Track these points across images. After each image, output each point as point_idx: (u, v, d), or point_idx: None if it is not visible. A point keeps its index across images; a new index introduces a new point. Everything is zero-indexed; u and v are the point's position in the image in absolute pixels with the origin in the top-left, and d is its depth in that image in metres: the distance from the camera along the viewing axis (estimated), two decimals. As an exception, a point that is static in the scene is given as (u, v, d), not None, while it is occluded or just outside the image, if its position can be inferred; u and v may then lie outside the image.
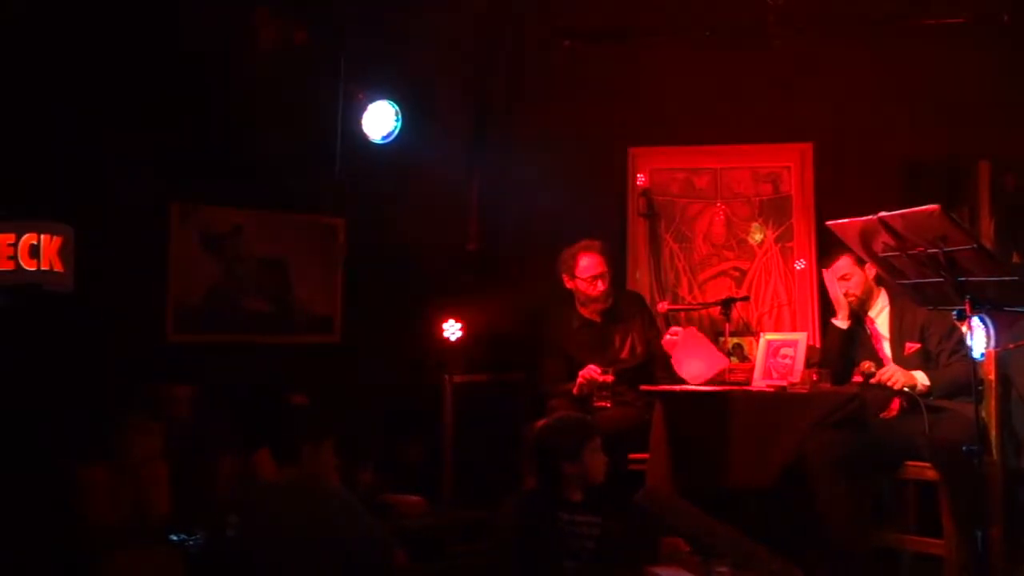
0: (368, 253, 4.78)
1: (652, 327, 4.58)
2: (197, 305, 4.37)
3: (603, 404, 4.22)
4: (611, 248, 4.57)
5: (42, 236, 3.58)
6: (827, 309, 4.57)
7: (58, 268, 3.61)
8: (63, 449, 3.47)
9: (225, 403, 3.93)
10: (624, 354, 4.46)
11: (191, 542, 3.30)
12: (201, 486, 3.56)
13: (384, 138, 4.61)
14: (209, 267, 4.41)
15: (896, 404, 3.88)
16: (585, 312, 4.49)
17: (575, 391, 4.25)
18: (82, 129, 3.87)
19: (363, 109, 4.54)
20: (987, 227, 4.51)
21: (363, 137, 4.55)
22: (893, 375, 3.83)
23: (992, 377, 3.88)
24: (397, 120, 4.61)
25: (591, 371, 4.24)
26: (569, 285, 4.47)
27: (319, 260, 4.73)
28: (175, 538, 3.29)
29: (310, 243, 4.73)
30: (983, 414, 3.65)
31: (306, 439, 3.20)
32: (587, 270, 4.38)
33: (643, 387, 4.22)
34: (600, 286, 4.39)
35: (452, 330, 4.73)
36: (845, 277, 4.05)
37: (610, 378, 4.24)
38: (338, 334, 4.75)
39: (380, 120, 4.58)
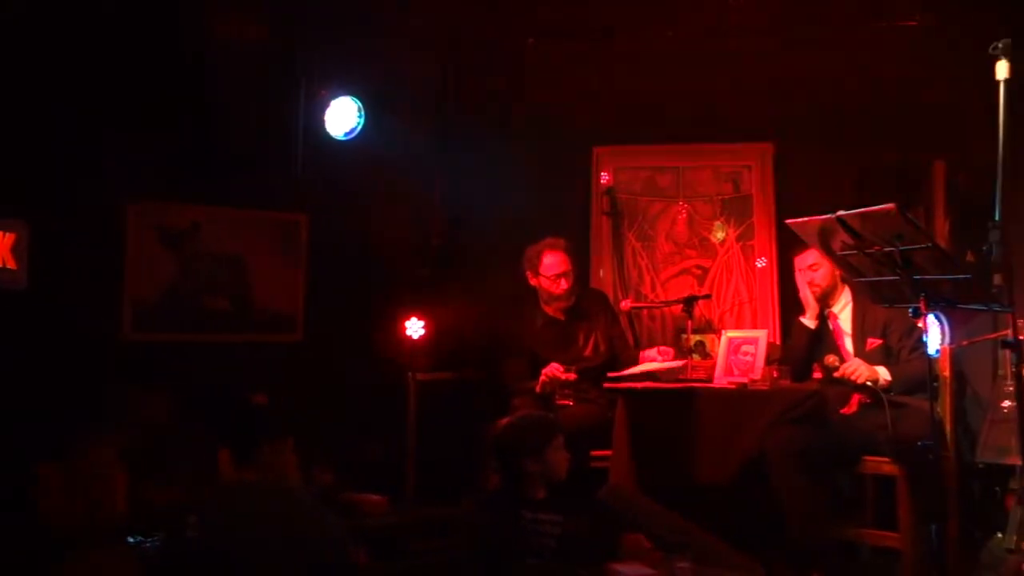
0: (330, 250, 4.75)
1: (615, 325, 4.61)
2: (155, 303, 4.31)
3: (566, 403, 4.23)
4: (575, 246, 4.59)
5: (-5, 232, 3.53)
6: (787, 306, 4.63)
7: (11, 265, 3.56)
8: (18, 448, 3.41)
9: (185, 403, 3.88)
10: (587, 352, 4.48)
11: (148, 543, 3.25)
12: (161, 488, 3.51)
13: (347, 134, 4.58)
14: (167, 265, 4.36)
15: (855, 400, 3.93)
16: (549, 310, 4.50)
17: (538, 389, 4.26)
18: (37, 124, 3.80)
19: (325, 105, 4.51)
20: (942, 226, 4.58)
21: (325, 133, 4.52)
22: (857, 369, 3.87)
23: (947, 374, 3.94)
24: (360, 116, 4.58)
25: (554, 369, 4.25)
26: (533, 282, 4.47)
27: (280, 258, 4.69)
28: (132, 540, 3.24)
29: (271, 240, 4.69)
30: (939, 410, 3.72)
31: (266, 439, 3.17)
32: (551, 268, 4.39)
33: (606, 384, 4.24)
34: (564, 284, 4.40)
35: (415, 328, 4.71)
36: (813, 267, 4.09)
37: (573, 376, 4.26)
38: (300, 332, 4.71)
39: (342, 116, 4.55)
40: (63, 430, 3.50)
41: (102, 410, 3.66)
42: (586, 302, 4.54)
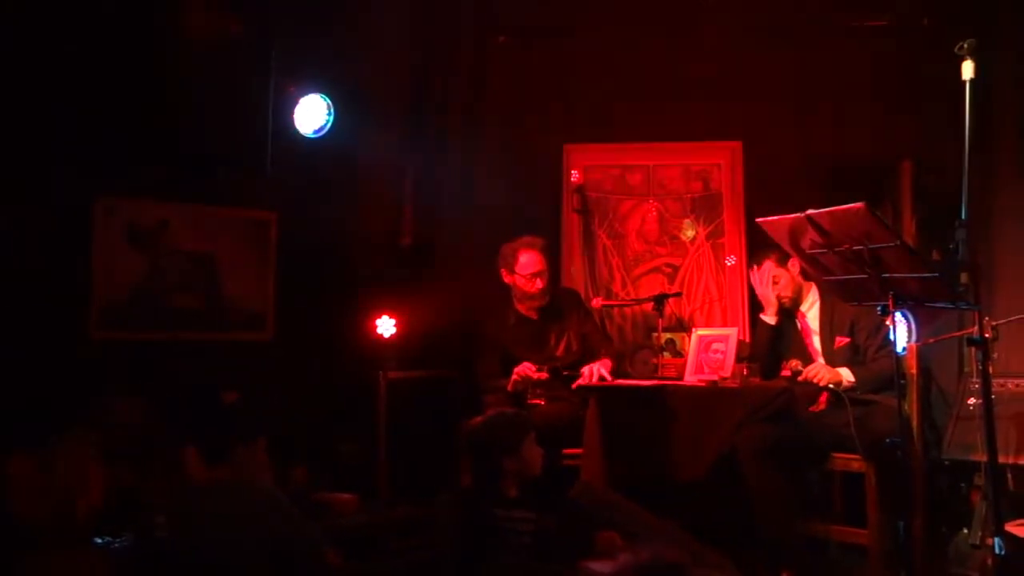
0: (301, 248, 4.71)
1: (588, 322, 4.61)
2: (123, 301, 4.25)
3: (537, 401, 4.23)
4: (546, 244, 4.58)
5: (-42, 230, 3.46)
6: (756, 305, 4.65)
7: (-26, 263, 3.49)
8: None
9: (155, 402, 3.84)
10: (560, 351, 4.48)
11: (117, 544, 3.21)
12: (136, 489, 3.47)
13: (316, 132, 4.55)
14: (135, 262, 4.30)
15: (824, 398, 3.98)
16: (522, 308, 4.50)
17: (510, 388, 4.26)
18: (1, 118, 3.74)
19: (295, 102, 4.48)
20: (909, 225, 4.63)
21: (295, 131, 4.49)
22: (818, 373, 3.92)
23: (914, 371, 4.00)
24: (329, 114, 4.56)
25: (526, 368, 4.25)
26: (507, 280, 4.47)
27: (250, 256, 4.65)
28: (100, 540, 3.20)
29: (241, 238, 4.64)
30: (906, 408, 3.77)
31: (237, 438, 3.14)
32: (527, 267, 4.38)
33: (574, 385, 4.24)
34: (539, 284, 4.40)
35: (386, 326, 4.69)
36: (775, 280, 4.14)
37: (545, 375, 4.26)
38: (270, 331, 4.67)
39: (312, 114, 4.53)
40: (31, 428, 3.44)
41: (71, 409, 3.60)
42: (559, 301, 4.55)
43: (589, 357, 4.44)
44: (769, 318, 4.21)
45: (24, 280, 3.80)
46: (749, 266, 4.30)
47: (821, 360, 4.08)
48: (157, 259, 4.37)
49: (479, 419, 3.40)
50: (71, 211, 4.08)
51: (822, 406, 3.99)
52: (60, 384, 3.78)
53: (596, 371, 4.21)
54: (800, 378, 3.96)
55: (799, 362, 4.04)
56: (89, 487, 3.34)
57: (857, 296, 3.22)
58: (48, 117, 3.87)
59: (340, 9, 4.72)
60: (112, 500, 3.36)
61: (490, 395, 4.29)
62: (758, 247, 4.26)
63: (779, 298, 4.15)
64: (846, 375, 3.94)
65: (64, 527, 3.21)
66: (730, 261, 4.99)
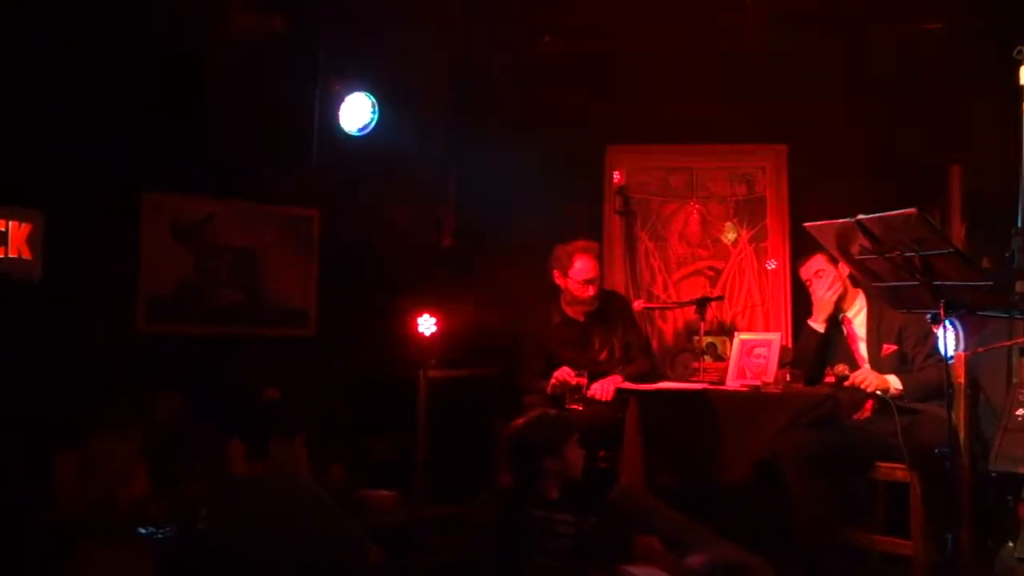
0: (343, 246, 4.74)
1: (632, 330, 4.56)
2: (168, 296, 4.31)
3: (575, 407, 4.20)
4: (600, 249, 4.55)
5: (10, 223, 3.53)
6: (800, 310, 4.60)
7: (26, 256, 3.56)
8: (32, 438, 3.41)
9: (198, 396, 3.88)
10: (602, 356, 4.45)
11: (160, 535, 3.25)
12: (179, 482, 3.51)
13: (360, 130, 4.57)
14: (180, 257, 4.36)
15: (869, 405, 3.92)
16: (569, 310, 4.47)
17: (548, 391, 4.24)
18: (54, 116, 3.80)
19: (340, 101, 4.50)
20: (959, 231, 4.55)
21: (339, 129, 4.51)
22: (866, 379, 3.86)
23: (961, 380, 3.92)
24: (374, 113, 4.57)
25: (564, 373, 4.23)
26: (558, 282, 4.43)
27: (293, 252, 4.68)
28: (143, 531, 3.24)
29: (284, 235, 4.68)
30: (953, 417, 3.70)
31: (277, 434, 3.17)
32: (581, 273, 4.34)
33: (616, 386, 4.21)
34: (591, 290, 4.36)
35: (427, 325, 4.70)
36: (818, 274, 4.08)
37: (584, 380, 4.24)
38: (312, 327, 4.71)
39: (357, 112, 4.55)
40: (79, 421, 3.50)
41: (119, 403, 3.65)
42: (607, 305, 4.50)
43: (629, 362, 4.42)
44: (818, 325, 4.15)
45: (74, 274, 3.85)
46: (799, 262, 4.23)
47: (867, 367, 4.02)
48: (202, 254, 4.42)
49: (522, 419, 3.39)
50: (120, 206, 4.13)
51: (867, 413, 3.93)
52: (107, 377, 3.84)
53: (602, 387, 4.19)
54: (847, 383, 3.90)
55: (846, 367, 3.97)
56: (132, 480, 3.40)
57: (907, 303, 3.17)
58: (98, 113, 3.92)
59: (386, 8, 4.73)
60: (155, 492, 3.41)
61: (530, 396, 4.27)
62: (801, 251, 4.21)
63: (833, 284, 4.07)
64: (894, 382, 3.87)
65: (108, 519, 3.26)
66: (770, 265, 4.94)
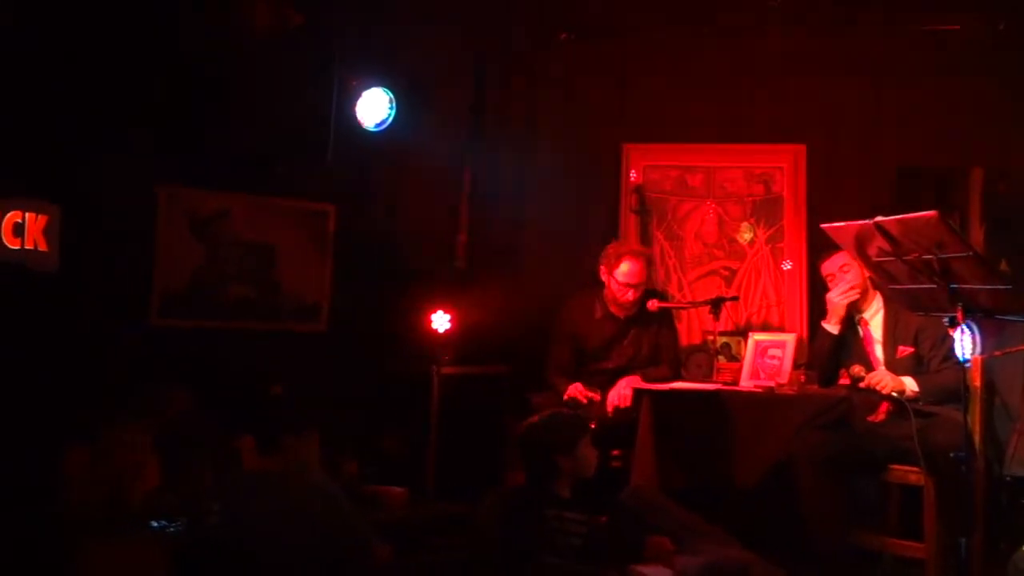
0: (358, 241, 4.74)
1: (666, 333, 4.53)
2: (182, 289, 4.31)
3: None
4: (603, 243, 4.53)
5: (27, 214, 3.54)
6: (816, 310, 4.58)
7: (42, 247, 3.57)
8: (45, 431, 3.42)
9: (211, 390, 3.89)
10: (630, 353, 4.45)
11: (172, 529, 3.26)
12: (190, 476, 3.52)
13: (377, 126, 4.56)
14: (195, 251, 4.36)
15: (884, 408, 3.89)
16: (611, 307, 4.46)
17: (564, 397, 4.25)
18: (71, 108, 3.81)
19: (357, 96, 4.49)
20: (977, 234, 4.52)
21: (356, 124, 4.51)
22: (882, 380, 3.83)
23: (978, 384, 3.90)
24: (391, 108, 4.57)
25: (576, 390, 4.26)
26: (603, 278, 4.42)
27: (308, 247, 4.69)
28: (155, 525, 3.25)
29: (299, 229, 4.68)
30: (969, 421, 3.67)
31: (290, 429, 3.17)
32: (626, 276, 4.32)
33: (633, 387, 4.20)
34: (631, 295, 4.34)
35: (441, 321, 4.70)
36: (843, 268, 4.04)
37: (596, 396, 4.25)
38: (325, 323, 4.71)
39: (374, 107, 4.54)
40: (91, 414, 3.51)
41: (131, 396, 3.66)
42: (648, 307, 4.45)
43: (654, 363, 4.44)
44: (832, 327, 4.12)
45: (90, 266, 3.86)
46: (819, 259, 4.20)
47: (883, 368, 3.99)
48: (217, 248, 4.43)
49: (536, 417, 3.38)
50: (136, 199, 4.14)
51: (881, 416, 3.90)
52: (120, 370, 3.85)
53: (619, 395, 4.20)
54: (863, 384, 3.87)
55: (862, 368, 3.94)
56: (144, 474, 3.41)
57: (924, 306, 3.14)
58: (115, 106, 3.93)
59: (403, 4, 4.73)
60: (166, 487, 3.42)
61: (538, 396, 4.28)
62: (818, 251, 4.18)
63: (849, 287, 4.04)
64: (910, 384, 3.84)
65: (120, 513, 3.27)
66: (786, 266, 4.91)
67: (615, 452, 4.12)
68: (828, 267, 4.14)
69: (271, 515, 2.88)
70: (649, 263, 4.44)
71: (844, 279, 4.05)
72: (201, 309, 4.37)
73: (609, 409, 4.20)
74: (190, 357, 4.15)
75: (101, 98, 3.90)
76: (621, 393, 4.20)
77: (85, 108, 3.85)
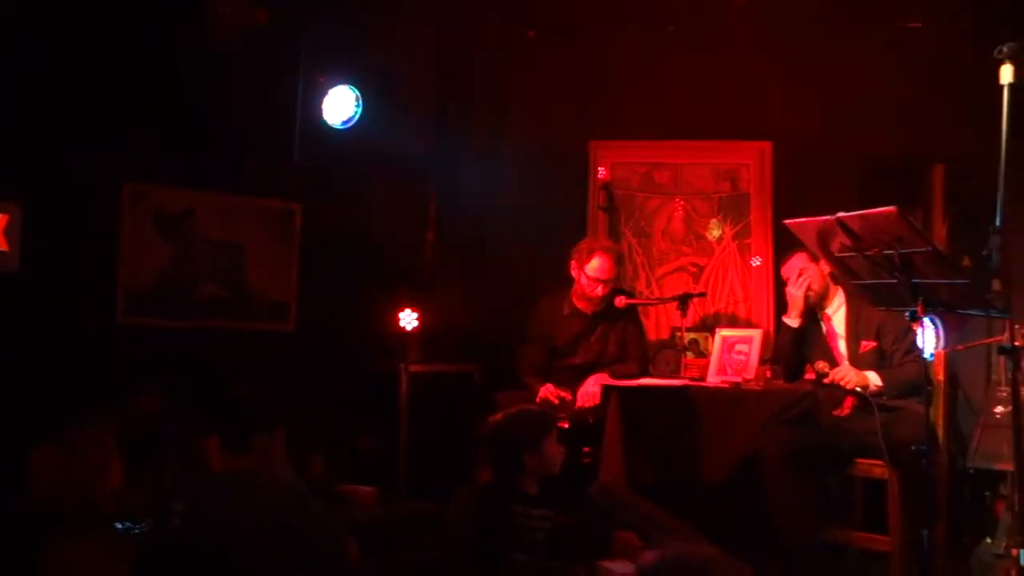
0: (326, 240, 4.72)
1: (633, 329, 4.57)
2: (148, 288, 4.27)
3: (562, 424, 4.21)
4: (571, 241, 4.55)
5: (-13, 214, 3.49)
6: (783, 306, 4.61)
7: (3, 247, 3.53)
8: (10, 431, 3.38)
9: (177, 390, 3.86)
10: (597, 348, 4.47)
11: (137, 530, 3.24)
12: (155, 477, 3.50)
13: (344, 123, 4.55)
14: (161, 250, 4.32)
15: (849, 402, 3.93)
16: (579, 303, 4.48)
17: (537, 400, 4.27)
18: (33, 105, 3.76)
19: (323, 93, 4.48)
20: (940, 230, 4.58)
21: (323, 122, 4.49)
22: (846, 375, 3.88)
23: (941, 378, 3.95)
24: (358, 106, 4.55)
25: (547, 391, 4.28)
26: (573, 273, 4.45)
27: (275, 246, 4.66)
28: (120, 526, 3.22)
29: (266, 228, 4.65)
30: (932, 414, 3.72)
31: (257, 429, 3.15)
32: (597, 271, 4.35)
33: (601, 385, 4.22)
34: (601, 290, 4.37)
35: (409, 319, 4.69)
36: (802, 273, 4.09)
37: (567, 395, 4.28)
38: (293, 321, 4.68)
39: (340, 105, 4.53)
40: (57, 414, 3.47)
41: (97, 395, 3.63)
42: (616, 306, 4.48)
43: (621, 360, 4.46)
44: (792, 321, 4.16)
45: (53, 265, 3.82)
46: (781, 261, 4.25)
47: (847, 364, 4.03)
48: (183, 247, 4.39)
49: (501, 415, 3.39)
50: (100, 197, 4.10)
51: (846, 411, 3.94)
52: (85, 370, 3.81)
53: (587, 393, 4.22)
54: (826, 380, 3.92)
55: (826, 364, 3.98)
56: (110, 474, 3.38)
57: (886, 301, 3.18)
58: (78, 104, 3.89)
59: (370, 1, 4.71)
60: (132, 487, 3.39)
61: (504, 394, 4.29)
62: (785, 248, 4.22)
63: (807, 293, 4.09)
64: (873, 379, 3.89)
65: (85, 514, 3.24)
66: (756, 262, 4.94)
67: (586, 449, 4.13)
68: (786, 271, 4.19)
69: (236, 515, 2.86)
70: (619, 259, 4.48)
71: (804, 282, 4.09)
72: (167, 308, 4.34)
73: (578, 407, 4.21)
74: (157, 356, 4.12)
75: (64, 95, 3.85)
76: (589, 391, 4.22)
77: (47, 105, 3.81)
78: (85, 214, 4.02)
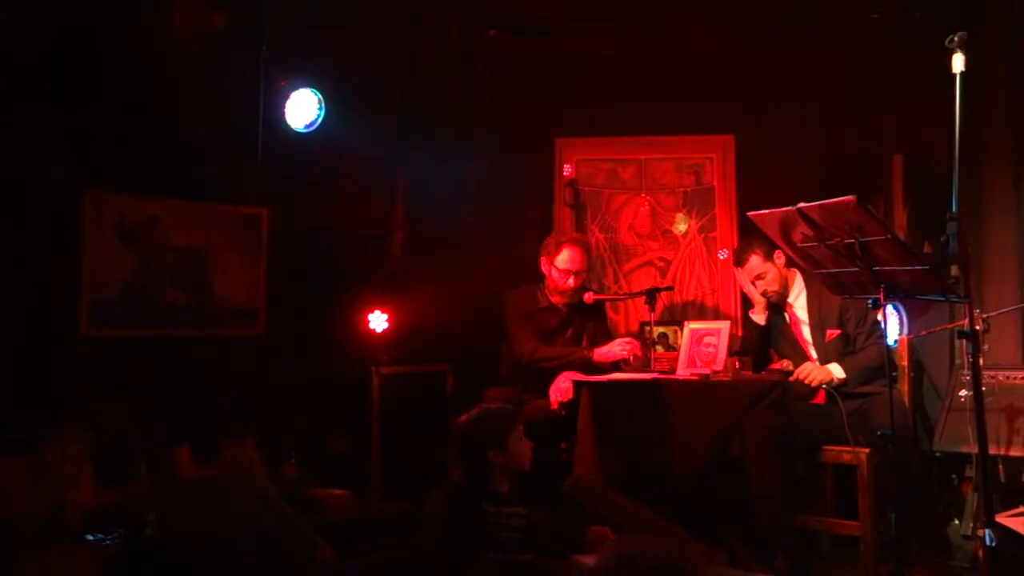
0: (292, 243, 4.70)
1: (601, 324, 4.61)
2: (113, 298, 4.23)
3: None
4: (538, 238, 4.57)
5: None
6: (749, 299, 4.65)
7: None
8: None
9: (145, 399, 3.82)
10: (572, 343, 4.48)
11: (108, 541, 3.21)
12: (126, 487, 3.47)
13: (307, 127, 4.52)
14: (125, 258, 4.27)
15: (822, 394, 3.99)
16: (552, 298, 4.49)
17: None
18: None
19: (285, 97, 4.45)
20: (900, 218, 4.64)
21: (285, 125, 4.46)
22: (810, 373, 3.93)
23: (905, 363, 4.01)
24: (320, 108, 4.53)
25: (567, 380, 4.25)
26: (543, 268, 4.46)
27: (241, 251, 4.63)
28: (91, 538, 3.19)
29: (232, 233, 4.62)
30: (895, 399, 3.77)
31: (227, 435, 3.13)
32: (566, 263, 4.36)
33: (572, 380, 4.23)
34: (571, 282, 4.38)
35: (378, 321, 4.68)
36: (760, 276, 4.13)
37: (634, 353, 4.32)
38: (261, 326, 4.65)
39: (303, 108, 4.50)
40: (24, 426, 3.43)
41: (62, 407, 3.59)
42: (587, 302, 4.50)
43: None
44: (758, 318, 4.22)
45: (14, 276, 3.77)
46: (735, 265, 4.29)
47: (813, 352, 4.08)
48: (147, 255, 4.34)
49: (465, 416, 3.38)
50: (61, 206, 4.05)
51: (822, 399, 4.00)
52: (51, 381, 3.77)
53: (559, 388, 4.22)
54: (791, 378, 3.97)
55: (790, 362, 4.06)
56: (79, 486, 3.34)
57: (849, 289, 3.23)
58: (36, 112, 3.84)
59: (330, 4, 4.69)
60: (102, 498, 3.36)
61: (492, 389, 4.30)
62: (745, 242, 4.25)
63: (766, 294, 4.15)
64: (836, 372, 3.94)
65: (55, 525, 3.20)
66: (722, 255, 4.99)
67: (563, 444, 4.14)
68: (742, 277, 4.23)
69: (207, 524, 2.83)
70: (588, 250, 4.49)
71: (761, 284, 4.13)
72: (134, 317, 4.29)
73: (553, 405, 4.22)
74: (124, 366, 4.07)
75: (21, 102, 3.80)
76: (561, 387, 4.23)
77: (4, 110, 3.75)
78: (46, 224, 3.97)
